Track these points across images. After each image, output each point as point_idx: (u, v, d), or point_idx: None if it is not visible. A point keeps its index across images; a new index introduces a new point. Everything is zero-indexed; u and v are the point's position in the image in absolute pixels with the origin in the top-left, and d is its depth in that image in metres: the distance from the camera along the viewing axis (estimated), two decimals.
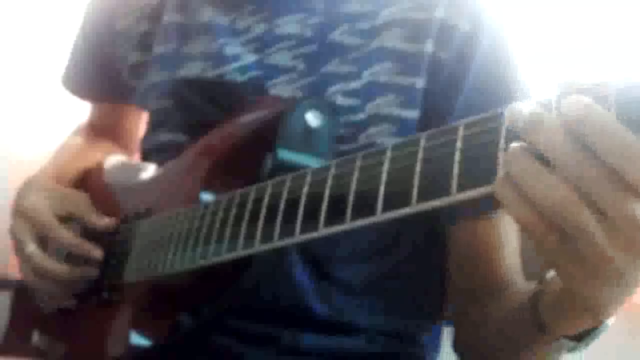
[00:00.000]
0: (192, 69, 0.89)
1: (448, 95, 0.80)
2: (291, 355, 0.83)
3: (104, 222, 0.89)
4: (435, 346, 0.92)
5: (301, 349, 0.83)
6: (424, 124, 0.80)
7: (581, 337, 0.61)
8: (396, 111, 0.80)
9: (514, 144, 0.46)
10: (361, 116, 0.81)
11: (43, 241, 0.88)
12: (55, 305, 0.91)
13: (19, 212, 0.90)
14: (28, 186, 0.94)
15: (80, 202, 0.92)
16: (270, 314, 0.83)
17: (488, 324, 0.77)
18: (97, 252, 0.86)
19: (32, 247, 0.87)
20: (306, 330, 0.83)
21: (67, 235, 0.87)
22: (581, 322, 0.60)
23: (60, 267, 0.87)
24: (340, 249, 0.83)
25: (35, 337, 0.94)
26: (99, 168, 1.01)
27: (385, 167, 0.56)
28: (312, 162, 0.73)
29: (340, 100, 0.81)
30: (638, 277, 0.49)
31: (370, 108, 0.81)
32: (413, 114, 0.80)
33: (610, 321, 0.59)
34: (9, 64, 1.58)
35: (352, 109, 0.81)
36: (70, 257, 0.88)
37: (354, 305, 0.84)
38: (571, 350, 0.63)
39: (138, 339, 0.78)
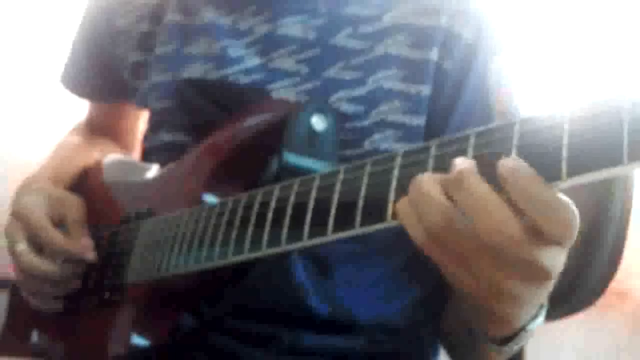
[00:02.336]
0: (195, 70, 0.89)
1: (450, 104, 0.80)
2: (291, 355, 0.83)
3: (83, 242, 0.87)
4: (436, 346, 0.92)
5: (302, 349, 0.83)
6: (426, 131, 0.80)
7: (506, 342, 0.63)
8: (401, 118, 0.80)
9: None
10: (366, 122, 0.81)
11: (37, 243, 0.87)
12: (44, 306, 0.90)
13: (15, 212, 0.90)
14: (26, 187, 0.93)
15: (73, 209, 0.90)
16: (271, 314, 0.83)
17: (453, 320, 0.81)
18: (90, 255, 0.85)
19: (21, 246, 0.86)
20: (306, 330, 0.83)
21: (57, 237, 0.86)
22: (493, 329, 0.62)
23: (48, 265, 0.85)
24: (342, 249, 0.83)
25: (34, 337, 0.94)
26: (97, 167, 1.00)
27: (395, 173, 0.56)
28: (318, 166, 0.74)
29: (345, 106, 0.81)
30: (536, 298, 0.54)
31: (375, 114, 0.81)
32: (418, 120, 0.80)
33: (534, 325, 0.61)
34: (8, 64, 1.57)
35: (357, 116, 0.81)
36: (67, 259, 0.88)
37: (356, 303, 0.84)
38: (500, 353, 0.65)
39: (139, 340, 0.78)
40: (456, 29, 0.81)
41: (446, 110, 0.80)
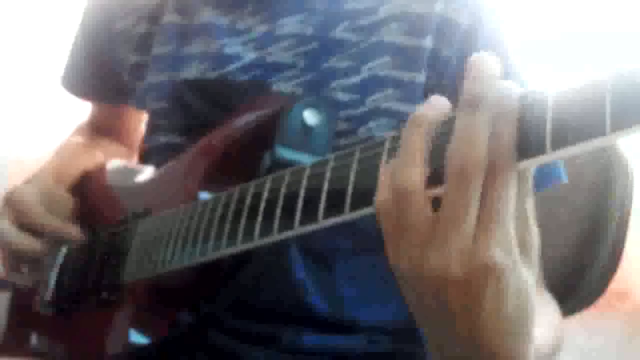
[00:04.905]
0: (192, 70, 0.89)
1: (448, 91, 0.80)
2: (292, 355, 0.83)
3: (72, 231, 0.88)
4: None
5: (302, 348, 0.83)
6: None
7: None
8: (395, 105, 0.81)
9: None
10: (361, 110, 0.81)
11: (24, 225, 0.88)
12: (25, 289, 0.91)
13: (6, 199, 0.89)
14: (26, 183, 0.94)
15: (62, 203, 0.91)
16: (271, 313, 0.83)
17: None
18: (76, 233, 0.87)
19: (4, 224, 0.87)
20: (307, 329, 0.83)
21: (45, 218, 0.87)
22: None
23: (28, 240, 0.86)
24: (343, 242, 0.83)
25: (34, 337, 0.94)
26: (100, 169, 1.01)
27: (384, 158, 0.56)
28: (311, 160, 0.74)
29: (340, 95, 0.81)
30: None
31: (370, 102, 0.81)
32: (413, 108, 0.80)
33: None
34: (9, 64, 1.59)
35: (352, 104, 0.81)
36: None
37: (355, 303, 0.84)
38: None
39: (137, 338, 0.78)
40: (451, 14, 0.81)
41: (448, 98, 0.80)
